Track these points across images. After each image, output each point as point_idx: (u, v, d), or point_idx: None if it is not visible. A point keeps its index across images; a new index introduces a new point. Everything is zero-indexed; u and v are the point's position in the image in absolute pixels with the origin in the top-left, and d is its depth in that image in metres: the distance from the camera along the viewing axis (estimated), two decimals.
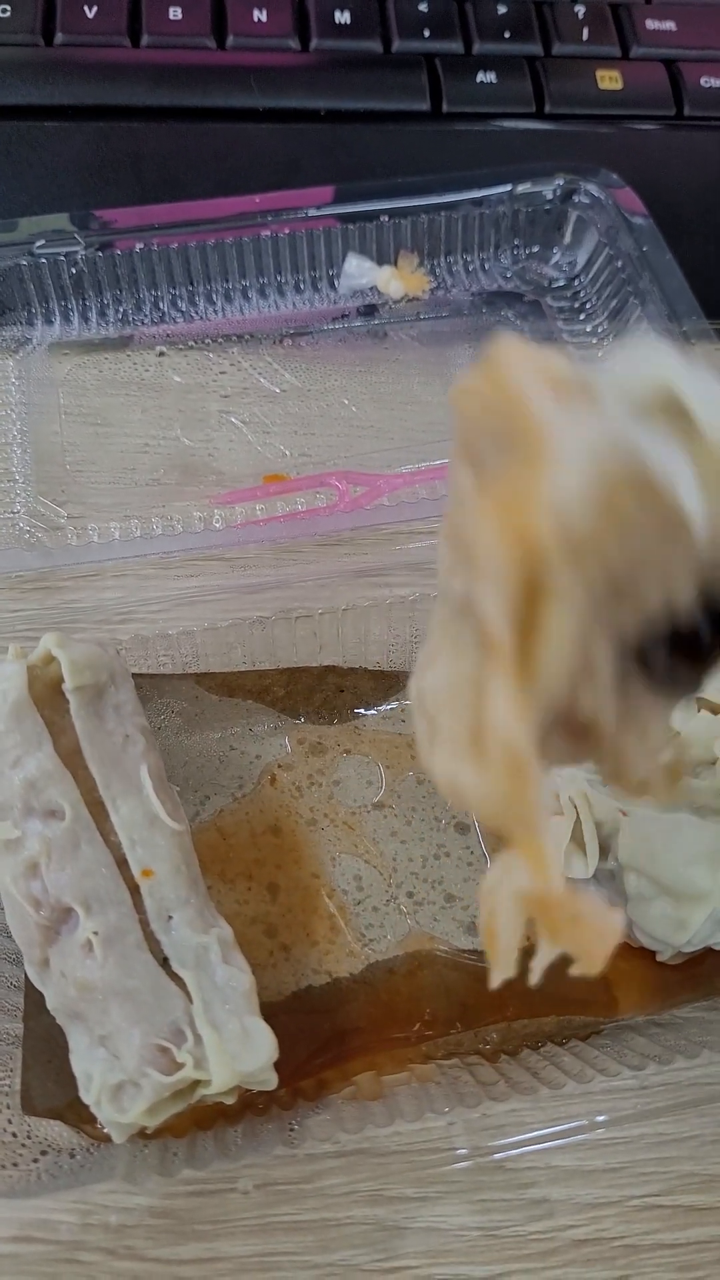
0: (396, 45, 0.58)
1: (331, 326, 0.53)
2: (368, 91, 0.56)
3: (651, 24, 0.59)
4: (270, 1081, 0.32)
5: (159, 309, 0.52)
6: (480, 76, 0.57)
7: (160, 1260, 0.33)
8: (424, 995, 0.38)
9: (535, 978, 0.20)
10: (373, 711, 0.43)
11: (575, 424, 0.16)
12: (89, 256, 0.50)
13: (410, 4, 0.58)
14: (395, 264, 0.53)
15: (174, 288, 0.52)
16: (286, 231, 0.51)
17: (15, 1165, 0.32)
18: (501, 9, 0.58)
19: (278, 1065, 0.32)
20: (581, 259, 0.53)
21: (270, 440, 0.49)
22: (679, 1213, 0.34)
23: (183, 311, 0.53)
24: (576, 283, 0.54)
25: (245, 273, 0.52)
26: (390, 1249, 0.34)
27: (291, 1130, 0.33)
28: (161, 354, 0.52)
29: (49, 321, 0.52)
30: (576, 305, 0.53)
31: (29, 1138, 0.34)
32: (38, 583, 0.45)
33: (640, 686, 0.19)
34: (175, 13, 0.56)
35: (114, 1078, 0.31)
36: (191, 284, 0.52)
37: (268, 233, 0.51)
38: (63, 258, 0.50)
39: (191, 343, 0.52)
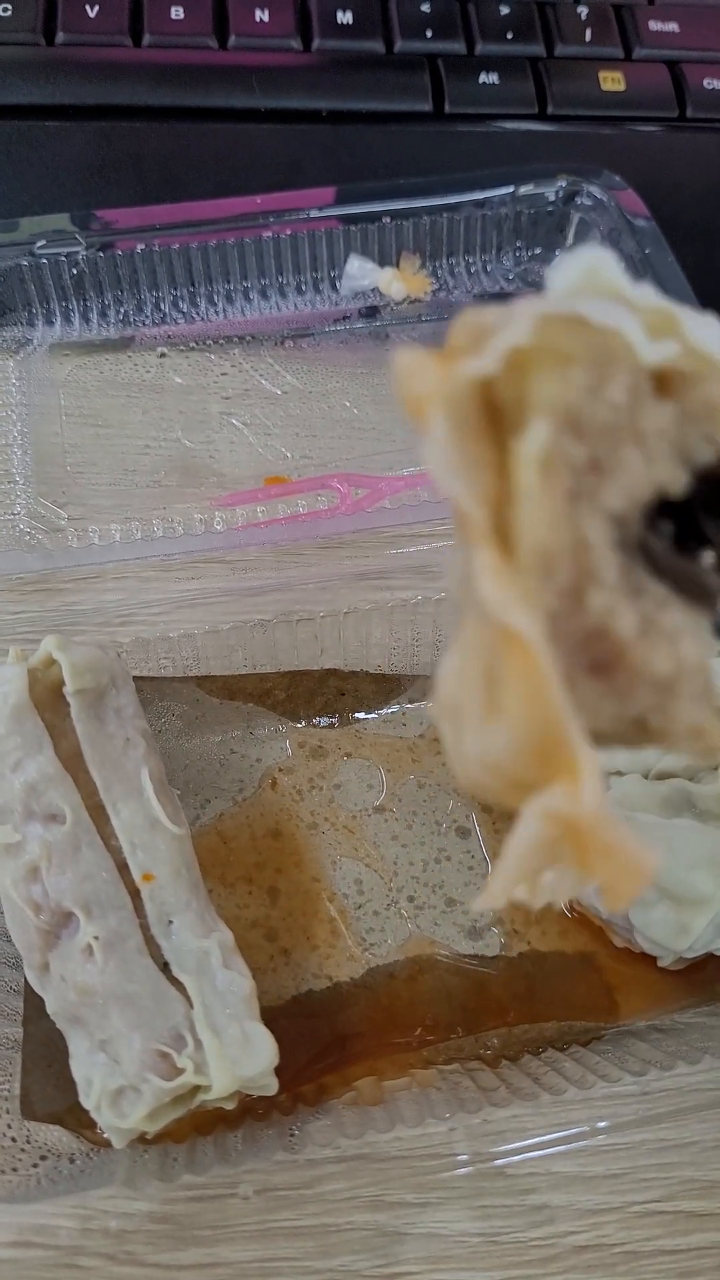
0: (399, 46, 0.57)
1: (333, 328, 0.53)
2: (370, 92, 0.56)
3: (654, 25, 0.59)
4: (271, 1087, 0.32)
5: (160, 310, 0.52)
6: (483, 77, 0.57)
7: (160, 1265, 0.33)
8: (425, 1000, 0.38)
9: (549, 897, 0.18)
10: (374, 715, 0.43)
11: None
12: (90, 257, 0.50)
13: (413, 4, 0.58)
14: (397, 265, 0.53)
15: (175, 289, 0.52)
16: (288, 232, 0.51)
17: (15, 1170, 0.32)
18: (504, 10, 0.58)
19: (278, 1070, 0.32)
20: None
21: (271, 442, 0.49)
22: (680, 1218, 0.34)
23: (184, 312, 0.52)
24: None
25: (247, 274, 0.52)
26: (391, 1254, 0.34)
27: (292, 1135, 0.33)
28: (162, 355, 0.52)
29: (50, 322, 0.52)
30: None
31: (28, 1142, 0.33)
32: (38, 584, 0.45)
33: (657, 589, 0.18)
34: (177, 12, 0.56)
35: (114, 1083, 0.31)
36: (193, 285, 0.52)
37: (269, 234, 0.51)
38: (64, 258, 0.50)
39: (193, 344, 0.52)
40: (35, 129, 0.54)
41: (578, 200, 0.52)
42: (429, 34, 0.58)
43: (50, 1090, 0.34)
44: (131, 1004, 0.32)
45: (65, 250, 0.50)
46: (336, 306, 0.53)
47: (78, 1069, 0.32)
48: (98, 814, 0.34)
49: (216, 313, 0.53)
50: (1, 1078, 0.34)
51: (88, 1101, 0.32)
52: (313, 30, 0.57)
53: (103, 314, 0.52)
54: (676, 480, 0.17)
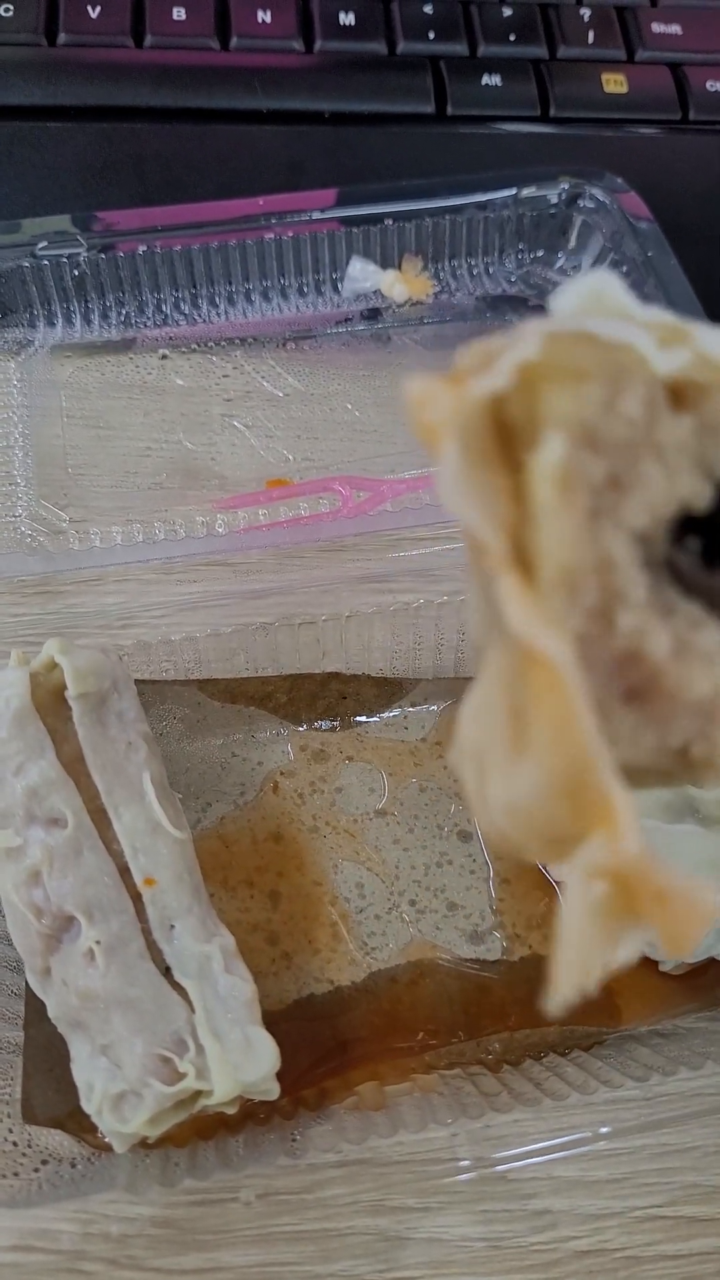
0: (401, 47, 0.57)
1: (335, 330, 0.53)
2: (372, 93, 0.56)
3: (657, 27, 0.59)
4: (272, 1091, 0.32)
5: (162, 311, 0.52)
6: (485, 79, 0.57)
7: (162, 1270, 0.33)
8: (426, 1004, 0.38)
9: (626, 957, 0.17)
10: (375, 719, 0.43)
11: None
12: (91, 258, 0.50)
13: (415, 6, 0.58)
14: (399, 267, 0.53)
15: (177, 290, 0.52)
16: (290, 234, 0.51)
17: (16, 1175, 0.32)
18: (506, 11, 0.58)
19: (279, 1074, 0.32)
20: (586, 263, 0.53)
21: (273, 444, 0.49)
22: (682, 1224, 0.34)
23: (185, 314, 0.52)
24: None
25: (248, 275, 0.52)
26: (392, 1260, 0.33)
27: (294, 1140, 0.33)
28: (164, 357, 0.51)
29: (51, 324, 0.52)
30: None
31: (30, 1147, 0.33)
32: (39, 587, 0.45)
33: (689, 609, 0.17)
34: (179, 13, 0.56)
35: (116, 1087, 0.31)
36: (194, 286, 0.52)
37: (271, 235, 0.51)
38: (65, 259, 0.50)
39: (194, 346, 0.52)
40: (37, 130, 0.54)
41: (580, 203, 0.52)
42: (431, 35, 0.57)
43: (51, 1094, 0.34)
44: (133, 1008, 0.32)
45: (67, 251, 0.50)
46: (338, 308, 0.53)
47: (79, 1073, 0.32)
48: (99, 818, 0.34)
49: (218, 314, 0.53)
50: (2, 1082, 0.34)
51: (89, 1106, 0.32)
52: (315, 31, 0.57)
53: (104, 316, 0.52)
54: (700, 494, 0.17)
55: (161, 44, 0.56)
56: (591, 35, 0.58)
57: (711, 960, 0.36)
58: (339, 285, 0.53)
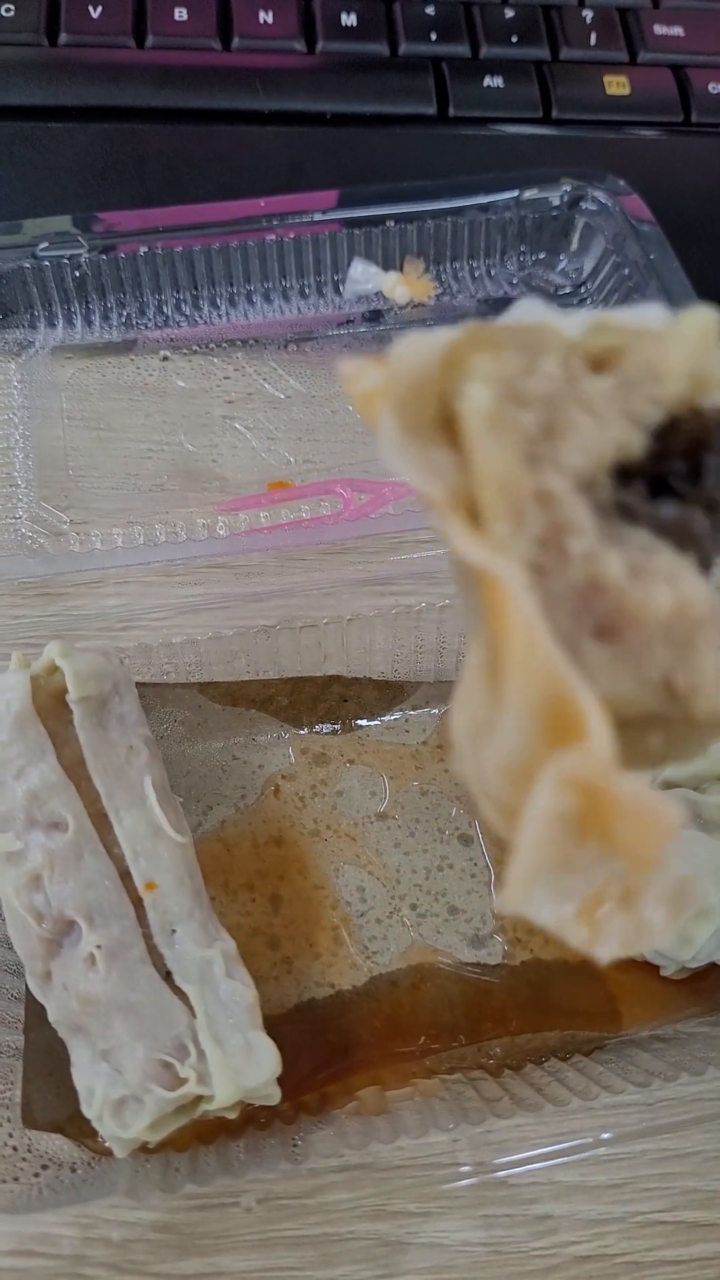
0: (403, 48, 0.57)
1: (337, 332, 0.53)
2: (374, 95, 0.56)
3: (659, 29, 0.58)
4: (273, 1096, 0.32)
5: (163, 313, 0.52)
6: (487, 81, 0.57)
7: (162, 1275, 0.33)
8: (427, 1008, 0.38)
9: (616, 948, 0.18)
10: (376, 722, 0.43)
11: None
12: (92, 259, 0.50)
13: (417, 7, 0.58)
14: (401, 269, 0.53)
15: (178, 291, 0.52)
16: (292, 236, 0.51)
17: (16, 1180, 0.32)
18: (509, 13, 0.58)
19: (280, 1079, 0.32)
20: (588, 266, 0.53)
21: (275, 446, 0.49)
22: (682, 1229, 0.34)
23: (187, 316, 0.52)
24: (583, 289, 0.53)
25: (250, 277, 0.52)
26: (392, 1264, 0.33)
27: (295, 1145, 0.33)
28: (165, 358, 0.51)
29: (52, 325, 0.51)
30: None
31: (30, 1151, 0.33)
32: (40, 589, 0.45)
33: (641, 537, 0.18)
34: (180, 13, 0.56)
35: (116, 1092, 0.31)
36: (196, 288, 0.52)
37: (273, 237, 0.51)
38: (66, 260, 0.50)
39: (195, 347, 0.52)
40: (38, 130, 0.54)
41: (582, 205, 0.52)
42: (433, 37, 0.57)
43: (51, 1098, 0.34)
44: (134, 1013, 0.32)
45: (68, 252, 0.50)
46: (340, 310, 0.53)
47: (79, 1078, 0.32)
48: (100, 822, 0.34)
49: (219, 316, 0.52)
50: (2, 1086, 0.34)
51: (89, 1111, 0.31)
52: (316, 32, 0.57)
53: (105, 317, 0.52)
54: (634, 440, 0.18)
55: (163, 44, 0.56)
56: (593, 37, 0.58)
57: (713, 964, 0.36)
58: (340, 287, 0.53)
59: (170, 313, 0.52)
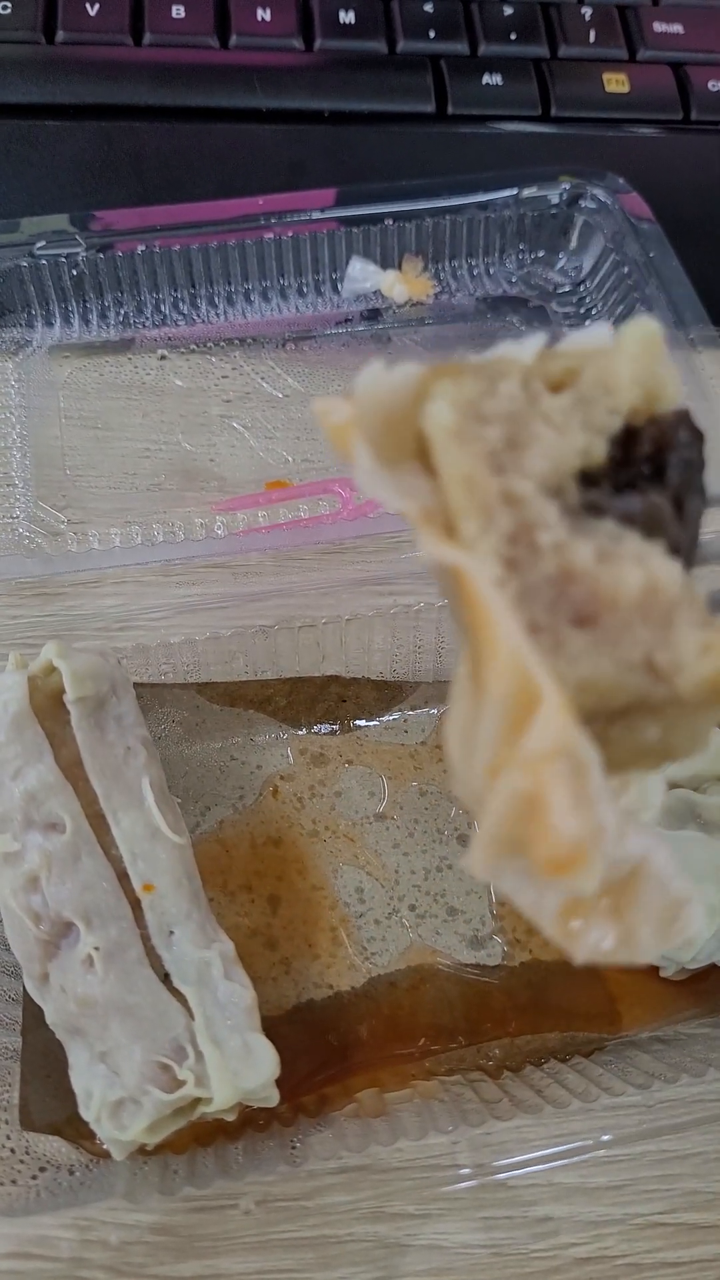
0: (401, 46, 0.57)
1: (335, 331, 0.52)
2: (372, 93, 0.56)
3: (659, 27, 0.58)
4: (272, 1098, 0.32)
5: (160, 312, 0.52)
6: (486, 78, 0.56)
7: (161, 1278, 0.33)
8: (426, 1009, 0.37)
9: (590, 953, 0.18)
10: (375, 722, 0.43)
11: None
12: (90, 258, 0.50)
13: (415, 4, 0.58)
14: (399, 268, 0.53)
15: (175, 290, 0.52)
16: (289, 234, 0.51)
17: (14, 1182, 0.32)
18: (508, 10, 0.58)
19: (278, 1081, 0.32)
20: (587, 264, 0.53)
21: (273, 446, 0.49)
22: (683, 1230, 0.34)
23: (184, 314, 0.52)
24: (582, 288, 0.53)
25: (248, 275, 0.52)
26: (391, 1266, 0.33)
27: (293, 1148, 0.33)
28: (163, 357, 0.51)
29: (49, 324, 0.51)
30: (582, 311, 0.53)
31: (27, 1154, 0.33)
32: (37, 589, 0.45)
33: (608, 527, 0.19)
34: (178, 11, 0.56)
35: (114, 1094, 0.31)
36: (193, 287, 0.52)
37: (270, 235, 0.50)
38: (63, 259, 0.50)
39: (193, 346, 0.52)
40: (35, 128, 0.54)
41: (581, 203, 0.52)
42: (432, 34, 0.57)
43: (49, 1100, 0.34)
44: (132, 1015, 0.32)
45: (65, 251, 0.49)
46: (338, 309, 0.53)
47: (77, 1080, 0.32)
48: (98, 823, 0.34)
49: (217, 315, 0.52)
50: (0, 1087, 0.34)
51: (87, 1113, 0.31)
52: (315, 30, 0.57)
53: (103, 316, 0.51)
54: (596, 448, 0.20)
55: (160, 42, 0.55)
56: (593, 34, 0.58)
57: (713, 966, 0.36)
58: (339, 286, 0.53)
59: (168, 311, 0.52)
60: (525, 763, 0.17)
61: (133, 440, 0.49)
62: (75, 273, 0.50)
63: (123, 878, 0.33)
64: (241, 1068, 0.31)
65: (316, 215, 0.51)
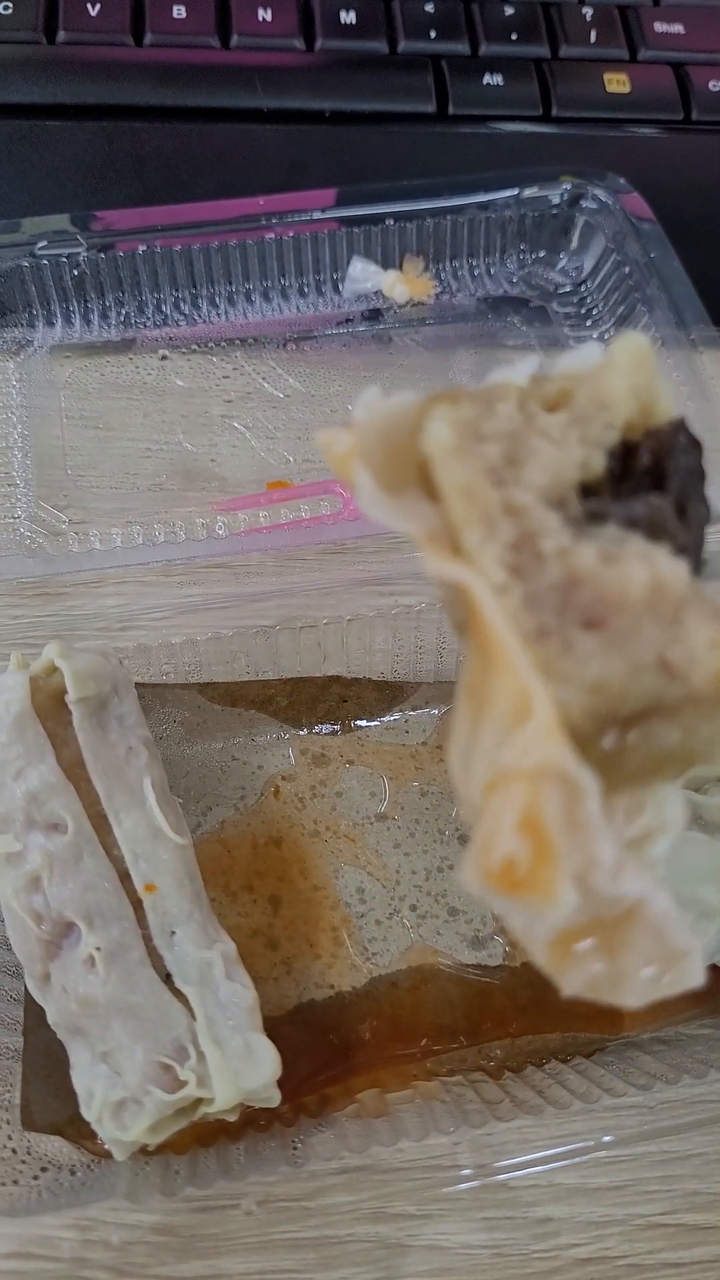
0: (402, 46, 0.57)
1: (336, 331, 0.52)
2: (373, 93, 0.56)
3: (660, 27, 0.58)
4: (273, 1099, 0.32)
5: (161, 312, 0.52)
6: (487, 78, 0.56)
7: (162, 1278, 0.33)
8: (428, 1010, 0.37)
9: (580, 985, 0.19)
10: (376, 722, 0.43)
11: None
12: (91, 258, 0.50)
13: (416, 4, 0.58)
14: (400, 268, 0.53)
15: (177, 290, 0.52)
16: (291, 234, 0.51)
17: (15, 1182, 0.32)
18: (508, 10, 0.58)
19: (280, 1081, 0.32)
20: (588, 264, 0.53)
21: (274, 446, 0.49)
22: (683, 1231, 0.34)
23: (185, 314, 0.52)
24: (583, 288, 0.53)
25: (249, 276, 0.52)
26: (393, 1267, 0.33)
27: (295, 1148, 0.33)
28: (164, 357, 0.51)
29: (50, 324, 0.51)
30: (583, 311, 0.53)
31: (29, 1154, 0.33)
32: (38, 588, 0.45)
33: (610, 531, 0.19)
34: (179, 11, 0.56)
35: (116, 1095, 0.31)
36: (194, 287, 0.52)
37: (272, 235, 0.50)
38: (64, 259, 0.50)
39: (194, 346, 0.52)
40: (36, 128, 0.54)
41: (582, 203, 0.52)
42: (432, 34, 0.57)
43: (50, 1100, 0.34)
44: (133, 1015, 0.32)
45: (66, 251, 0.49)
46: (339, 309, 0.53)
47: (79, 1080, 0.32)
48: (100, 823, 0.34)
49: (218, 315, 0.52)
50: (2, 1088, 0.34)
51: (89, 1113, 0.31)
52: (315, 30, 0.57)
53: (104, 315, 0.51)
54: (594, 460, 0.20)
55: (161, 42, 0.55)
56: (594, 34, 0.58)
57: (714, 966, 0.36)
58: (340, 286, 0.53)
59: (169, 311, 0.52)
60: (503, 774, 0.17)
61: (134, 440, 0.49)
62: (76, 273, 0.50)
63: (124, 878, 0.33)
64: (243, 1068, 0.31)
65: (317, 215, 0.51)
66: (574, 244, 0.53)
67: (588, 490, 0.20)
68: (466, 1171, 0.33)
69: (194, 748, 0.42)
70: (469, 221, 0.52)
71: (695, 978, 0.19)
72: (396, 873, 0.40)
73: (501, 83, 0.57)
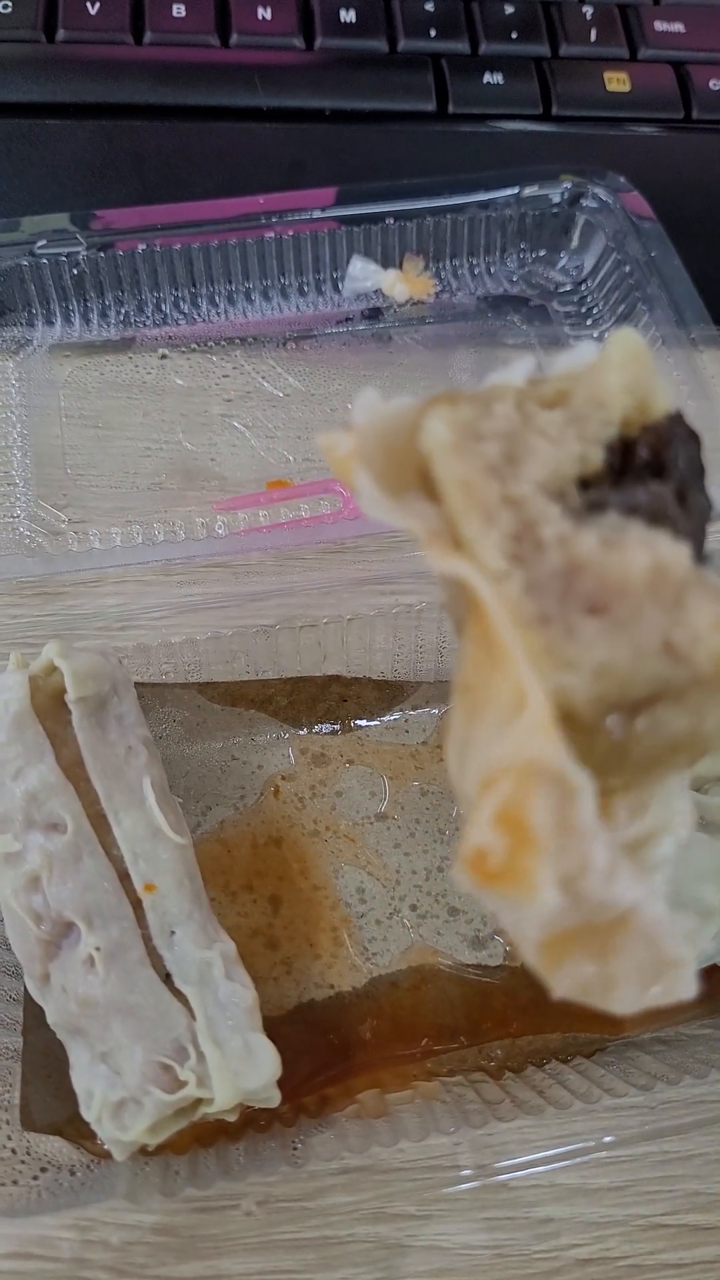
0: (402, 45, 0.57)
1: (335, 330, 0.52)
2: (373, 91, 0.56)
3: (660, 25, 0.58)
4: (273, 1099, 0.32)
5: (161, 311, 0.52)
6: (487, 77, 0.56)
7: (162, 1278, 0.33)
8: (428, 1010, 0.37)
9: (569, 989, 0.19)
10: (376, 722, 0.43)
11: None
12: (90, 257, 0.50)
13: (416, 3, 0.58)
14: (400, 267, 0.53)
15: (176, 289, 0.52)
16: (290, 233, 0.51)
17: (15, 1183, 0.32)
18: (509, 9, 0.58)
19: (280, 1082, 0.32)
20: (588, 263, 0.53)
21: (273, 445, 0.49)
22: (684, 1232, 0.34)
23: (185, 313, 0.52)
24: (583, 287, 0.53)
25: (248, 275, 0.52)
26: (393, 1267, 0.33)
27: (295, 1148, 0.33)
28: (164, 356, 0.51)
29: (50, 323, 0.51)
30: (583, 310, 0.53)
31: (28, 1154, 0.33)
32: (38, 588, 0.45)
33: (611, 519, 0.20)
34: (179, 10, 0.56)
35: (115, 1095, 0.31)
36: (194, 286, 0.52)
37: (271, 234, 0.50)
38: (64, 258, 0.50)
39: (194, 345, 0.51)
40: (35, 127, 0.54)
41: (582, 202, 0.52)
42: (432, 33, 0.57)
43: (50, 1100, 0.34)
44: (133, 1015, 0.31)
45: (66, 250, 0.49)
46: (339, 308, 0.53)
47: (78, 1080, 0.32)
48: (99, 823, 0.34)
49: (218, 314, 0.52)
50: (1, 1088, 0.34)
51: (88, 1114, 0.31)
52: (315, 29, 0.57)
53: (103, 315, 0.51)
54: (592, 454, 0.20)
55: (161, 41, 0.55)
56: (594, 33, 0.58)
57: (715, 966, 0.36)
58: (339, 284, 0.53)
59: (169, 310, 0.52)
60: (495, 770, 0.17)
61: (133, 439, 0.49)
62: (76, 272, 0.50)
63: (124, 878, 0.33)
64: (243, 1068, 0.31)
65: (317, 214, 0.51)
66: (574, 243, 0.53)
67: (587, 484, 0.20)
68: (467, 1172, 0.33)
69: (194, 747, 0.42)
70: (469, 220, 0.52)
71: (687, 989, 0.19)
72: (396, 872, 0.40)
73: (501, 81, 0.56)
